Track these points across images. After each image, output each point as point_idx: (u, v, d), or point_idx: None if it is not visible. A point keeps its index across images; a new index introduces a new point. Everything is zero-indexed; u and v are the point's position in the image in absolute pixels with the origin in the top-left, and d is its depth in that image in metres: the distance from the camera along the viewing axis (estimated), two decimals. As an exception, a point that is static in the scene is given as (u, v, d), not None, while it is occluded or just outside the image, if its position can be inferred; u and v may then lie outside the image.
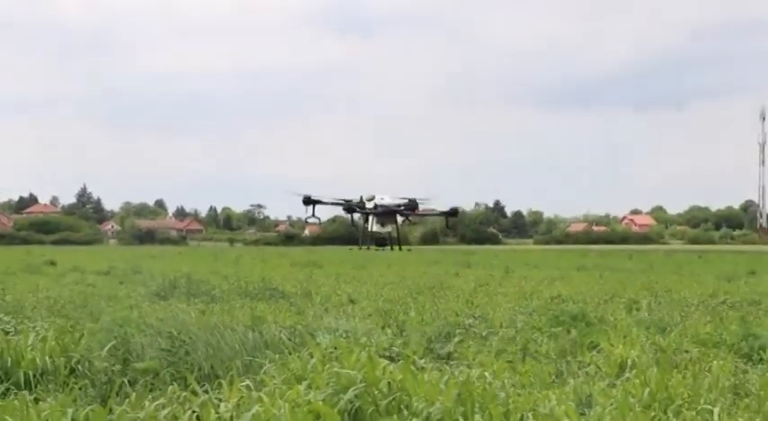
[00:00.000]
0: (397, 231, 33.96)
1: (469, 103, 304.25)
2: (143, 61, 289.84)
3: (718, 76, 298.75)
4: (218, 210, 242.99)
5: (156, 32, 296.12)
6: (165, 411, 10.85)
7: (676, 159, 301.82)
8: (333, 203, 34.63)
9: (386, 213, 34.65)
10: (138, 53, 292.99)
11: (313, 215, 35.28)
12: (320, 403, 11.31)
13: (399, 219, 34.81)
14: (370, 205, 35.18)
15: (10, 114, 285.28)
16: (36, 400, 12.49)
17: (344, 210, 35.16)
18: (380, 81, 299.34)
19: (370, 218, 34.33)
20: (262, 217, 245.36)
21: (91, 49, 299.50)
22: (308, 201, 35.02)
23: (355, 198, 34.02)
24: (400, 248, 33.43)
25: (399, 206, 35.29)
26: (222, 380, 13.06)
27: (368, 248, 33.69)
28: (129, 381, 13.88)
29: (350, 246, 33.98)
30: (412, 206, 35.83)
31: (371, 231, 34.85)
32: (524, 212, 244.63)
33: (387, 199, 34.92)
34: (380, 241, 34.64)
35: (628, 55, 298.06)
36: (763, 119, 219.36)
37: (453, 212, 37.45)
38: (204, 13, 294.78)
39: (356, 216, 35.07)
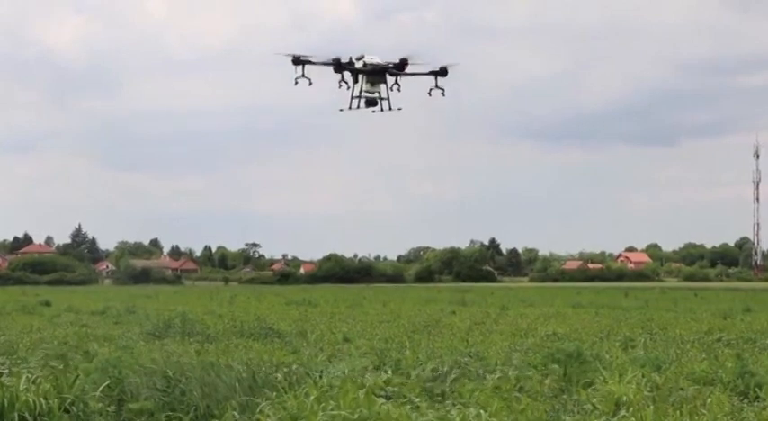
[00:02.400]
0: (387, 92, 33.80)
1: (464, 140, 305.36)
2: (137, 99, 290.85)
3: (710, 113, 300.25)
4: (213, 250, 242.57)
5: (150, 71, 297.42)
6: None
7: (671, 196, 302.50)
8: (322, 63, 34.24)
9: (375, 72, 34.44)
10: (131, 91, 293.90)
11: (303, 75, 34.66)
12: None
13: (390, 79, 34.54)
14: (359, 64, 34.98)
15: (2, 152, 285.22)
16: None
17: (334, 69, 34.82)
18: (374, 119, 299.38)
19: (360, 77, 34.06)
20: (257, 256, 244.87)
21: (85, 87, 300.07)
22: (296, 60, 34.48)
23: (344, 58, 33.68)
24: (390, 108, 33.46)
25: (389, 64, 35.08)
26: (217, 420, 13.03)
27: (358, 108, 33.45)
28: (123, 421, 13.84)
29: (340, 108, 33.50)
30: (401, 65, 35.45)
31: (361, 91, 34.58)
32: (519, 250, 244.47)
33: (376, 58, 34.78)
34: (371, 101, 34.38)
35: (622, 92, 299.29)
36: (757, 156, 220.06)
37: (443, 71, 36.89)
38: (196, 53, 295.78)
39: (346, 75, 34.65)
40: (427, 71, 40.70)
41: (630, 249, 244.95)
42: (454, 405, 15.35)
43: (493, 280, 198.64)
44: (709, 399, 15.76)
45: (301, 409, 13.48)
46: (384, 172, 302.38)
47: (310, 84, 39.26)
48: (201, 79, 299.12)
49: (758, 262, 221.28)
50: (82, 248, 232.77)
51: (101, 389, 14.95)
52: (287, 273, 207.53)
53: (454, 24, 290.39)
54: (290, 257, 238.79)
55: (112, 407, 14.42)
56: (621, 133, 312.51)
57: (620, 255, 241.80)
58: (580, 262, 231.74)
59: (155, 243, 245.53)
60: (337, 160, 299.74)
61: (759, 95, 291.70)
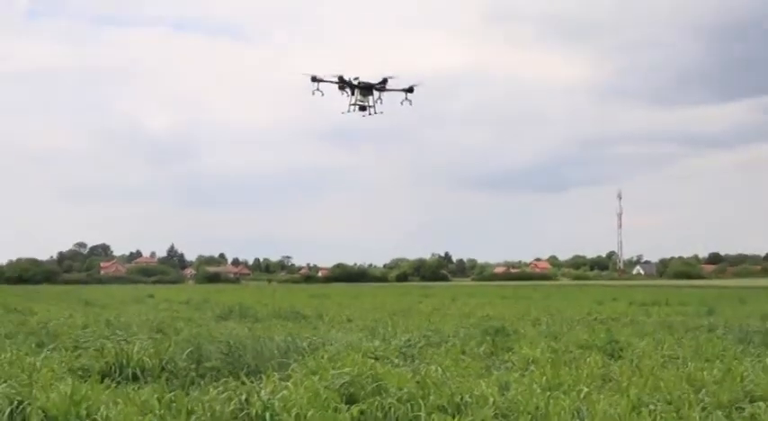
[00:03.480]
0: (374, 102, 34.09)
1: (426, 186, 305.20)
2: (208, 162, 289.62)
3: (589, 170, 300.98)
4: (261, 260, 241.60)
5: (217, 142, 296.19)
6: (224, 395, 10.78)
7: (565, 224, 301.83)
8: (330, 81, 34.36)
9: (366, 87, 34.36)
10: (204, 156, 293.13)
11: (317, 89, 34.41)
12: (326, 388, 11.26)
13: (376, 93, 34.52)
14: (355, 82, 35.08)
15: (119, 199, 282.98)
16: (139, 388, 12.40)
17: (339, 86, 34.74)
18: (365, 174, 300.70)
19: (355, 91, 34.13)
20: (290, 264, 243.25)
21: (172, 154, 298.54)
22: (314, 79, 34.38)
23: (347, 77, 34.22)
24: (375, 112, 33.72)
25: (375, 83, 35.09)
26: (263, 375, 12.99)
27: (354, 111, 33.54)
28: (200, 375, 13.77)
29: (342, 111, 33.52)
30: (383, 82, 35.30)
31: (356, 100, 34.62)
32: (465, 260, 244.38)
33: (366, 79, 35.45)
34: (362, 107, 34.41)
35: (531, 157, 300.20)
36: (619, 198, 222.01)
37: (411, 89, 36.66)
38: (248, 130, 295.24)
39: (346, 89, 34.68)
40: (401, 88, 40.79)
41: (538, 259, 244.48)
42: (420, 363, 15.34)
43: (447, 280, 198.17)
44: (589, 359, 15.79)
45: (318, 367, 13.46)
46: (373, 207, 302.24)
47: (323, 95, 39.26)
48: (252, 148, 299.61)
49: (620, 267, 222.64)
50: (174, 259, 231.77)
51: (185, 353, 14.88)
52: (310, 276, 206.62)
53: (422, 109, 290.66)
54: (312, 265, 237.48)
55: (193, 366, 14.35)
56: (531, 183, 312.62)
57: (531, 262, 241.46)
58: (505, 267, 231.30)
59: (222, 256, 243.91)
60: (342, 200, 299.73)
61: (621, 159, 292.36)
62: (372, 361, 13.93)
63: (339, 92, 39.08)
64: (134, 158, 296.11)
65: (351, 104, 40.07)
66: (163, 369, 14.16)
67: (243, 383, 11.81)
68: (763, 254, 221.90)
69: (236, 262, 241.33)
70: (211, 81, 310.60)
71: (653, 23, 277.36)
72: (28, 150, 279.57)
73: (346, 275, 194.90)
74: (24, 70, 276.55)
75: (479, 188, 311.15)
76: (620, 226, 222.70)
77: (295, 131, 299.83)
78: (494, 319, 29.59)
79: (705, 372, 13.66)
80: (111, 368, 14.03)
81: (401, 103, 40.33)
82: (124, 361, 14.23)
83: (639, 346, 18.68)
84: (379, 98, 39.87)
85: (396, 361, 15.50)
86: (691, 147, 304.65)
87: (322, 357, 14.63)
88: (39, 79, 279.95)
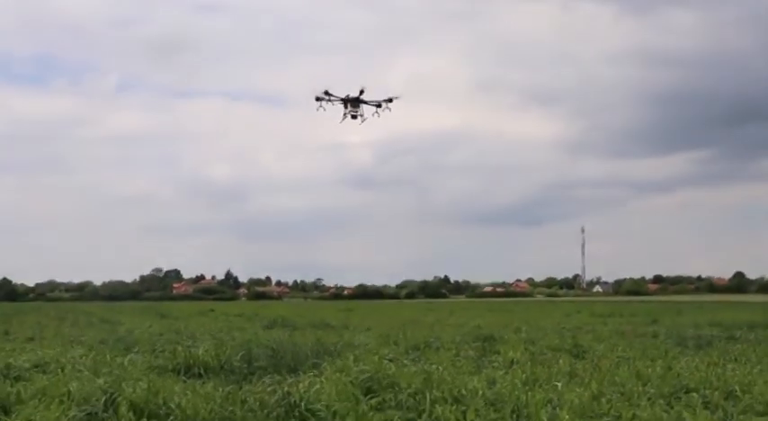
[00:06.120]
0: (362, 111, 34.38)
1: (430, 222, 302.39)
2: (256, 205, 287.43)
3: (558, 209, 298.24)
4: (298, 281, 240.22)
5: (262, 189, 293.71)
6: (270, 388, 10.79)
7: (540, 252, 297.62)
8: (330, 100, 34.59)
9: (353, 100, 34.82)
10: (252, 201, 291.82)
11: (321, 106, 34.16)
12: (350, 383, 11.23)
13: (363, 106, 35.28)
14: (344, 97, 35.96)
15: (187, 233, 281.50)
16: (203, 383, 12.41)
17: (344, 105, 35.31)
18: (381, 212, 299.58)
19: (347, 104, 34.80)
20: (321, 284, 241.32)
21: (228, 199, 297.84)
22: (317, 98, 34.23)
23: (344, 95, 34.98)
24: (364, 120, 34.08)
25: (358, 95, 35.50)
26: (300, 372, 12.97)
27: (347, 118, 33.84)
28: (251, 373, 13.77)
29: (339, 121, 34.04)
30: (361, 92, 35.61)
31: (348, 110, 34.96)
32: (460, 280, 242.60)
33: (354, 93, 35.81)
34: (354, 116, 34.78)
35: (513, 199, 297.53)
36: (583, 231, 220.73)
37: (390, 99, 36.45)
38: (287, 179, 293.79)
39: (342, 103, 35.85)
40: (382, 99, 42.07)
41: (518, 280, 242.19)
42: (425, 363, 15.26)
43: (446, 297, 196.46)
44: (559, 359, 15.67)
45: (344, 366, 13.43)
46: (387, 239, 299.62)
47: (325, 110, 40.53)
48: (291, 193, 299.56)
49: (584, 286, 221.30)
50: (230, 281, 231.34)
51: (239, 355, 14.90)
52: (337, 294, 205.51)
53: (425, 162, 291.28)
54: (339, 285, 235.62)
55: (245, 365, 14.35)
56: (513, 220, 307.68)
57: (513, 283, 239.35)
58: (492, 287, 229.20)
59: (268, 278, 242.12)
60: (363, 234, 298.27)
61: (584, 200, 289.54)
62: (387, 361, 13.88)
63: (342, 108, 40.69)
64: (200, 201, 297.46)
65: (344, 114, 41.51)
66: (221, 368, 14.18)
67: (284, 379, 11.80)
68: (695, 275, 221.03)
69: (278, 283, 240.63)
70: (260, 139, 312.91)
71: (609, 92, 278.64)
72: (116, 195, 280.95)
73: (366, 293, 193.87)
74: (113, 133, 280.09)
75: (472, 223, 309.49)
76: (583, 253, 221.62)
77: (325, 180, 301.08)
78: (483, 329, 29.37)
79: (650, 370, 13.55)
80: (181, 367, 14.06)
81: (383, 108, 41.70)
82: (191, 361, 14.26)
83: (599, 349, 18.51)
84: (376, 112, 41.37)
85: (406, 362, 15.42)
86: (638, 191, 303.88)
87: (347, 358, 14.59)
88: (124, 140, 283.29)
